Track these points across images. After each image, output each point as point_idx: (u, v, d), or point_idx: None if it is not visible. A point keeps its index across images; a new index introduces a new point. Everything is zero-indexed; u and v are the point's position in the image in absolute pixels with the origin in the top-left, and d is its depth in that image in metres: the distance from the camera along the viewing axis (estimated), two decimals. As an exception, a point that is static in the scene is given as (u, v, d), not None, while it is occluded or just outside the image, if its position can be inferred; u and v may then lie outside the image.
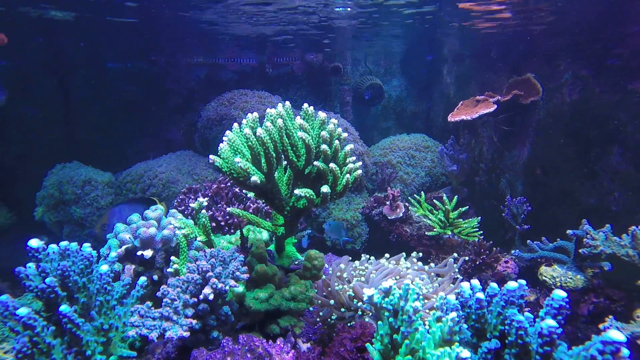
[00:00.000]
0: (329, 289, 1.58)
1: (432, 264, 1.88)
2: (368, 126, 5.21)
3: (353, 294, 1.58)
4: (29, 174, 3.82)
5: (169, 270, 1.66)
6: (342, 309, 1.59)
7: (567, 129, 3.08)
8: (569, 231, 2.29)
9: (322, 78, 4.91)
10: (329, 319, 1.56)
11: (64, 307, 1.17)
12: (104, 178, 3.70)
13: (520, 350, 0.95)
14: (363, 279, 1.70)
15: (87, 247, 1.39)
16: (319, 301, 1.58)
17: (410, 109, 5.30)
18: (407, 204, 3.10)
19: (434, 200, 2.91)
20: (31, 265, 1.28)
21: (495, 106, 3.17)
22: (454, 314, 0.99)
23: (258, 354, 1.24)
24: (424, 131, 4.57)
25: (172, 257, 1.66)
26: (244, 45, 4.73)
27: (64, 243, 1.36)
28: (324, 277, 1.65)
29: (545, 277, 2.29)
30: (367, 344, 1.08)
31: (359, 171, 1.49)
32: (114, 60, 4.90)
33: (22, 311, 1.08)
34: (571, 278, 2.18)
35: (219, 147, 1.40)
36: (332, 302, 1.56)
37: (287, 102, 1.44)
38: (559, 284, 2.18)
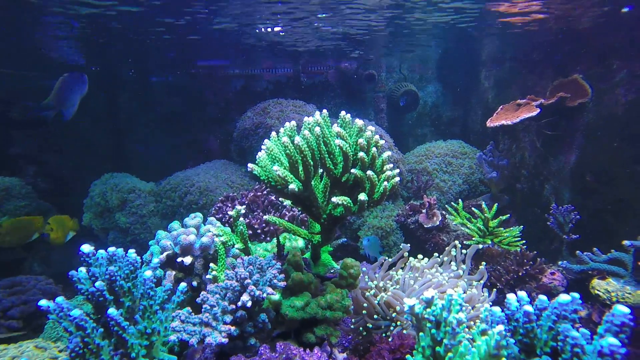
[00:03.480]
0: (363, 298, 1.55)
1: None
2: (403, 133, 5.14)
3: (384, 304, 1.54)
4: (81, 183, 4.06)
5: (207, 276, 1.69)
6: (375, 316, 1.56)
7: (623, 132, 2.88)
8: (626, 242, 2.11)
9: (357, 86, 4.92)
10: (361, 328, 1.54)
11: (111, 311, 1.22)
12: (146, 187, 3.88)
13: (575, 370, 0.89)
14: (398, 286, 1.66)
15: (132, 253, 1.45)
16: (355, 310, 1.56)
17: (446, 115, 5.18)
18: (444, 212, 3.01)
19: (473, 209, 2.80)
20: (82, 269, 1.35)
21: (539, 110, 3.03)
22: (500, 327, 0.94)
23: (295, 363, 1.23)
24: (461, 137, 4.45)
25: (211, 264, 1.69)
26: (280, 55, 4.83)
27: (111, 249, 1.43)
28: (361, 285, 1.63)
29: (598, 291, 2.14)
30: (408, 356, 1.05)
31: (397, 179, 1.46)
32: (158, 75, 5.16)
33: (75, 312, 1.14)
34: (630, 293, 2.01)
35: (257, 156, 1.43)
36: (364, 312, 1.53)
37: (325, 111, 1.45)
38: (615, 299, 2.02)
